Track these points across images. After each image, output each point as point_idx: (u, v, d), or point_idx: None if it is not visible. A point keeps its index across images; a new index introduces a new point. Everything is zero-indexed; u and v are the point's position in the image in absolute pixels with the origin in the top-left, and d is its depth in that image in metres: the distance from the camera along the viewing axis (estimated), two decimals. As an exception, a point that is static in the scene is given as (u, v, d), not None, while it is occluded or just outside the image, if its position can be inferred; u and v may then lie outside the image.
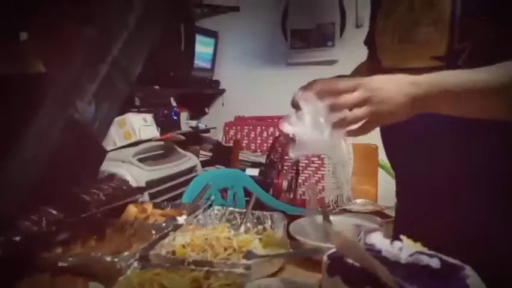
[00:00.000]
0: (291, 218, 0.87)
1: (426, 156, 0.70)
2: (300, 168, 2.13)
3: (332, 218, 0.87)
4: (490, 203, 0.65)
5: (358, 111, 0.56)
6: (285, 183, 1.75)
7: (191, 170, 1.25)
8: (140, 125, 1.15)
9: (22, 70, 1.29)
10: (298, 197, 2.20)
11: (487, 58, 0.58)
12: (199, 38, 2.40)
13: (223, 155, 2.48)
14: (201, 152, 2.49)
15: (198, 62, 2.48)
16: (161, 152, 1.19)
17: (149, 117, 1.26)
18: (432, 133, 0.68)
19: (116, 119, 1.09)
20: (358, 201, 1.82)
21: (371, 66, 0.81)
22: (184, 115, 2.22)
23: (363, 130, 0.59)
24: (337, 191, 2.15)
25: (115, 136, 1.07)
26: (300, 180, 2.47)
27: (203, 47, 2.51)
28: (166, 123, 1.92)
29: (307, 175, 2.48)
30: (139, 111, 1.71)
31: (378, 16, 0.77)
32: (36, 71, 1.28)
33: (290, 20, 2.52)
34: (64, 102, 0.93)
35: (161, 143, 1.19)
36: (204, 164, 2.44)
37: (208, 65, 2.61)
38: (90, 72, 1.01)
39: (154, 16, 1.23)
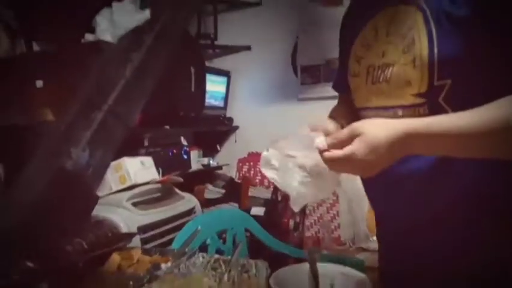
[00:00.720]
0: (295, 261, 0.84)
1: (403, 201, 0.70)
2: (310, 207, 2.08)
3: (319, 264, 0.84)
4: (475, 249, 0.64)
5: (346, 148, 0.59)
6: (291, 223, 1.70)
7: (189, 212, 1.24)
8: (136, 169, 1.18)
9: (35, 118, 1.37)
10: (310, 235, 2.14)
11: (468, 95, 0.59)
12: (211, 77, 2.47)
13: (236, 192, 2.47)
14: (214, 188, 2.50)
15: (211, 101, 2.54)
16: (158, 194, 1.20)
17: (147, 160, 1.28)
18: (412, 178, 0.67)
19: (113, 163, 1.11)
20: (375, 238, 1.75)
21: (343, 109, 0.85)
22: (195, 153, 2.25)
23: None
24: (353, 228, 2.08)
25: (111, 180, 1.10)
26: (314, 218, 2.41)
27: (215, 86, 2.57)
28: (175, 163, 1.95)
29: (321, 212, 2.42)
30: (147, 152, 1.76)
31: (350, 62, 0.79)
32: (46, 120, 1.35)
33: (300, 57, 2.56)
34: (57, 150, 0.96)
35: (159, 185, 1.21)
36: (217, 201, 2.44)
37: (220, 103, 2.67)
38: (85, 120, 1.05)
39: (153, 64, 1.28)
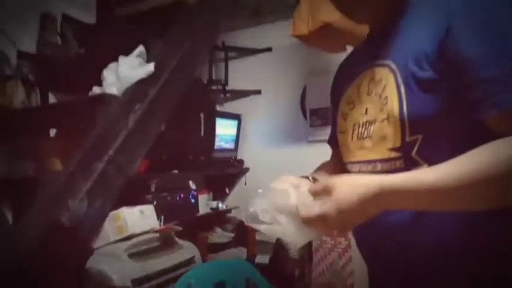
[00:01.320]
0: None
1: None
2: (320, 253, 2.01)
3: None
4: None
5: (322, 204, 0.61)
6: (297, 271, 1.64)
7: (188, 262, 1.22)
8: (135, 218, 1.18)
9: (44, 167, 1.42)
10: (321, 283, 2.06)
11: (440, 149, 0.62)
12: (222, 121, 2.52)
13: (246, 236, 2.43)
14: (223, 233, 2.47)
15: (221, 144, 2.57)
16: (157, 244, 1.20)
17: (147, 208, 1.29)
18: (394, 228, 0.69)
19: (111, 213, 1.13)
20: None
21: (332, 164, 0.89)
22: (204, 197, 2.25)
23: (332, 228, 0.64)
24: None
25: (109, 230, 1.10)
26: (325, 264, 2.33)
27: (226, 129, 2.62)
28: (182, 208, 1.95)
29: (333, 258, 2.34)
30: (154, 198, 1.77)
31: (338, 119, 0.84)
32: (54, 169, 1.40)
33: (308, 100, 2.59)
34: (56, 201, 0.99)
35: (158, 234, 1.21)
36: (226, 245, 2.40)
37: (231, 145, 2.69)
38: (86, 170, 1.08)
39: (157, 115, 1.33)
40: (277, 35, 2.56)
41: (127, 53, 1.37)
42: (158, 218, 1.35)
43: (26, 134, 1.40)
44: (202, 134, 2.19)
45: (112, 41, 1.74)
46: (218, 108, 2.84)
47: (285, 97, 2.68)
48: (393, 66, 0.69)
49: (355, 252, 2.30)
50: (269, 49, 2.69)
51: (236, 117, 2.70)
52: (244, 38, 2.75)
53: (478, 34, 0.60)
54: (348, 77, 0.83)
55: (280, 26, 2.51)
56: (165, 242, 1.21)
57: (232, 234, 2.45)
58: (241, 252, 2.36)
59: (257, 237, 2.32)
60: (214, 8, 1.67)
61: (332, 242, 2.39)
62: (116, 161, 1.15)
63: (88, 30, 1.84)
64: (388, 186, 0.59)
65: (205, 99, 2.31)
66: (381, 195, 0.59)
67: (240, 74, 2.75)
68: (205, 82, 2.62)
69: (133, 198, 1.70)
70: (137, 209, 1.23)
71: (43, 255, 0.88)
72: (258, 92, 2.74)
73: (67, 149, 1.43)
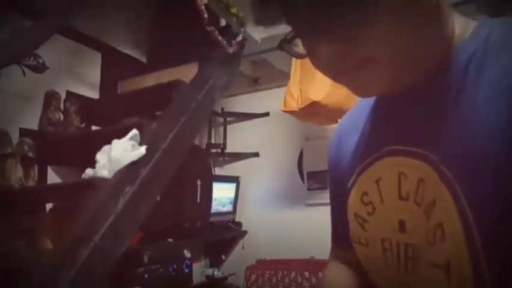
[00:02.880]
0: None
1: None
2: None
3: None
4: None
5: None
6: None
7: None
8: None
9: (36, 246, 1.44)
10: None
11: None
12: (219, 185, 2.55)
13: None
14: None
15: (219, 208, 2.58)
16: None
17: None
18: None
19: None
20: None
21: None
22: (199, 265, 2.22)
23: None
24: None
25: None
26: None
27: (224, 192, 2.64)
28: (175, 279, 1.92)
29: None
30: (145, 272, 1.76)
31: (350, 220, 0.59)
32: (45, 247, 1.42)
33: (305, 163, 2.62)
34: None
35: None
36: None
37: (229, 208, 2.70)
38: (69, 259, 1.09)
39: (147, 195, 1.36)
40: (274, 100, 2.65)
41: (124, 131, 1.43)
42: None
43: (20, 213, 1.43)
44: (198, 200, 2.21)
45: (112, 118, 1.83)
46: (217, 170, 2.88)
47: (282, 160, 2.72)
48: (449, 172, 0.42)
49: None
50: (267, 114, 2.78)
51: (235, 179, 2.73)
52: (243, 103, 2.86)
53: None
54: (355, 155, 0.57)
55: (277, 92, 2.61)
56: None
57: (229, 304, 2.38)
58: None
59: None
60: (211, 84, 1.76)
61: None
62: (102, 247, 1.16)
63: (91, 105, 1.93)
64: None
65: (203, 166, 2.35)
66: None
67: (239, 137, 2.82)
68: (205, 146, 2.68)
69: (124, 273, 1.69)
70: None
71: None
72: (256, 155, 2.79)
73: (58, 229, 1.45)
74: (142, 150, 1.33)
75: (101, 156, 1.33)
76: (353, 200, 0.56)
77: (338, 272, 0.66)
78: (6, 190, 1.45)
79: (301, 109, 1.70)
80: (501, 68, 0.42)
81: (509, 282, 0.40)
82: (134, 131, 1.39)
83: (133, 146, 1.36)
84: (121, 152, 1.32)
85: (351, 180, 0.57)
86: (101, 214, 1.20)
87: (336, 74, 0.46)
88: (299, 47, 0.47)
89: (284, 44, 0.46)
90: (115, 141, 1.35)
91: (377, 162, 0.53)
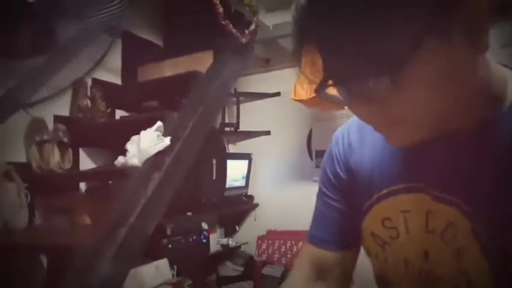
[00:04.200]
0: None
1: None
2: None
3: None
4: None
5: None
6: None
7: (197, 310, 1.40)
8: (151, 274, 1.39)
9: (76, 222, 1.65)
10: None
11: None
12: (233, 162, 2.73)
13: (254, 270, 2.61)
14: (233, 266, 2.65)
15: (233, 183, 2.78)
16: (171, 293, 1.40)
17: (162, 263, 1.50)
18: None
19: (131, 271, 1.33)
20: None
21: None
22: (215, 235, 2.45)
23: None
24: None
25: (130, 287, 1.31)
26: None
27: (237, 169, 2.82)
28: (195, 248, 2.15)
29: None
30: (169, 242, 1.98)
31: (364, 233, 0.62)
32: (84, 223, 1.63)
33: (314, 142, 2.77)
34: (86, 267, 1.20)
35: (170, 286, 1.40)
36: (235, 279, 2.59)
37: (242, 183, 2.90)
38: (111, 236, 1.29)
39: (172, 180, 1.54)
40: (285, 81, 2.76)
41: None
42: (172, 268, 1.56)
43: (60, 193, 1.63)
44: (214, 177, 2.40)
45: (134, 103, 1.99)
46: (231, 147, 3.06)
47: (292, 138, 2.87)
48: (481, 229, 0.45)
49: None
50: (278, 94, 2.89)
51: (247, 156, 2.90)
52: (255, 83, 2.97)
53: None
54: (376, 178, 0.57)
55: (288, 73, 2.72)
56: (177, 291, 1.42)
57: (242, 268, 2.63)
58: (249, 285, 2.54)
59: (264, 272, 2.50)
60: (225, 73, 1.89)
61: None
62: (137, 226, 1.36)
63: (115, 91, 2.09)
64: None
65: (218, 146, 2.52)
66: None
67: (251, 116, 2.96)
68: (219, 125, 2.84)
69: (150, 244, 1.92)
70: (152, 265, 1.43)
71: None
72: (268, 133, 2.94)
73: (95, 206, 1.66)
74: (167, 141, 1.50)
75: (131, 147, 1.50)
76: (371, 221, 0.57)
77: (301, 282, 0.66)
78: (48, 173, 1.64)
79: (310, 99, 1.83)
80: None
81: None
82: (159, 123, 1.54)
83: (158, 136, 1.52)
84: (149, 143, 1.48)
85: (370, 201, 0.57)
86: (134, 198, 1.39)
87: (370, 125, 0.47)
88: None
89: (320, 90, 0.45)
90: (143, 133, 1.52)
91: (404, 195, 0.53)
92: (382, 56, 0.38)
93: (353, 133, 0.63)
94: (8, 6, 1.39)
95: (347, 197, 0.62)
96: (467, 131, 0.46)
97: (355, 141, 0.62)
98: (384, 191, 0.56)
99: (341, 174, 0.63)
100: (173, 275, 1.53)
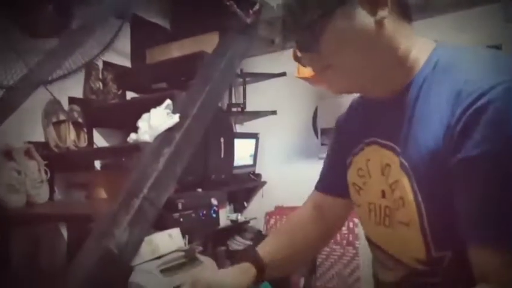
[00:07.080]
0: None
1: None
2: (331, 261, 2.22)
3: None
4: None
5: None
6: (302, 281, 1.86)
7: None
8: (165, 241, 1.49)
9: (92, 196, 1.76)
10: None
11: (468, 268, 0.55)
12: (241, 141, 2.81)
13: (263, 244, 2.72)
14: (242, 240, 2.77)
15: (240, 161, 2.87)
16: (183, 260, 1.50)
17: (174, 231, 1.59)
18: None
19: (146, 238, 1.44)
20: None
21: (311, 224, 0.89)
22: (224, 210, 2.55)
23: None
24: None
25: (144, 252, 1.41)
26: (332, 273, 2.57)
27: (245, 148, 2.91)
28: (205, 222, 2.26)
29: (340, 267, 2.58)
30: (180, 216, 2.08)
31: (349, 183, 0.80)
32: (100, 197, 1.73)
33: (320, 120, 2.83)
34: (105, 231, 1.31)
35: (183, 253, 1.51)
36: (245, 252, 2.70)
37: (250, 161, 2.98)
38: (127, 206, 1.39)
39: (182, 155, 1.63)
40: (290, 61, 2.80)
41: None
42: (184, 237, 1.66)
43: (77, 170, 1.74)
44: (222, 155, 2.49)
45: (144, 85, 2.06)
46: (238, 127, 3.14)
47: (298, 117, 2.93)
48: (405, 162, 0.62)
49: (363, 259, 2.54)
50: (283, 74, 2.94)
51: (254, 135, 2.98)
52: (261, 64, 3.02)
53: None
54: (353, 139, 0.77)
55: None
56: (189, 259, 1.51)
57: (251, 242, 2.74)
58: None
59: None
60: (231, 53, 1.95)
61: (341, 251, 2.63)
62: (150, 197, 1.46)
63: (125, 73, 2.17)
64: None
65: (225, 125, 2.60)
66: None
67: (257, 96, 3.03)
68: (226, 106, 2.91)
69: (163, 217, 2.02)
70: (166, 233, 1.53)
71: (98, 274, 1.20)
72: (274, 113, 3.01)
73: (110, 181, 1.76)
74: (176, 118, 1.58)
75: (142, 124, 1.59)
76: (351, 173, 0.77)
77: (305, 214, 0.90)
78: (65, 152, 1.75)
79: (313, 76, 1.88)
80: (441, 87, 0.59)
81: (446, 242, 0.59)
82: (168, 101, 1.62)
83: (167, 114, 1.61)
84: (159, 120, 1.57)
85: (350, 158, 0.77)
86: (146, 172, 1.49)
87: (314, 73, 0.69)
88: None
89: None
90: (153, 110, 1.60)
91: (367, 147, 0.73)
92: (309, 17, 0.60)
93: (355, 102, 0.85)
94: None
95: (339, 151, 0.82)
96: (392, 96, 0.67)
97: (351, 112, 0.84)
98: (358, 146, 0.76)
99: (340, 129, 0.86)
100: (185, 243, 1.63)
